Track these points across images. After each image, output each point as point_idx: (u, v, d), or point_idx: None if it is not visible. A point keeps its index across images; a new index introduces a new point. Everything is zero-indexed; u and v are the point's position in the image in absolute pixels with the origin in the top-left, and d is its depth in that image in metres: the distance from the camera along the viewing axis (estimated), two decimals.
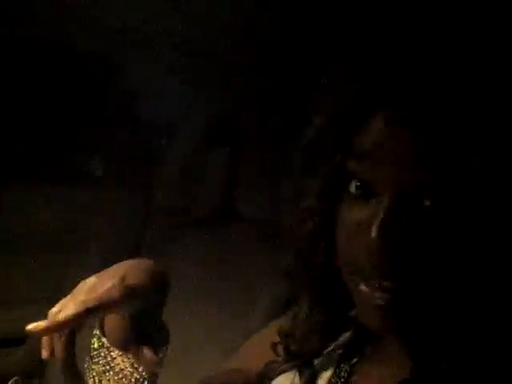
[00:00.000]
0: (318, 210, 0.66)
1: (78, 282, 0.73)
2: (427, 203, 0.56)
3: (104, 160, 1.94)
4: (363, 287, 0.60)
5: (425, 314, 0.60)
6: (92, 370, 0.77)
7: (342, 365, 0.74)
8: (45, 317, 0.69)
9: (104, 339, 0.76)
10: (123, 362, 0.75)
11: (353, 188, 0.61)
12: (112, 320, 0.76)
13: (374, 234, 0.56)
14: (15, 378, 1.72)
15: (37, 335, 0.69)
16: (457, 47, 0.57)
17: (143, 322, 0.76)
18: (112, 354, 0.76)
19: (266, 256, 1.25)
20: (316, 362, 0.76)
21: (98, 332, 0.77)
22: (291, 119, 0.82)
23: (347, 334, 0.75)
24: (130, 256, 0.79)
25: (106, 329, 0.77)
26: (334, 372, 0.73)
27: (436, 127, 0.54)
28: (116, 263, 0.76)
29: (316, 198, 0.66)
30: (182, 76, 1.76)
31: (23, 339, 1.77)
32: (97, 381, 0.76)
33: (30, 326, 0.69)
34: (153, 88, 1.82)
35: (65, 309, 0.68)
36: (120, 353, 0.75)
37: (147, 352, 0.76)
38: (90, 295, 0.69)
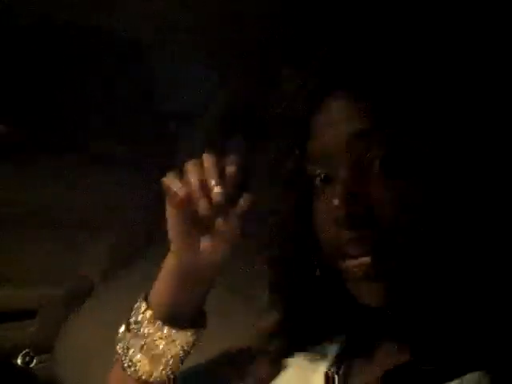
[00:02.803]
0: (293, 219, 0.71)
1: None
2: (376, 165, 0.61)
3: (125, 145, 1.94)
4: (346, 262, 0.63)
5: (414, 285, 0.61)
6: (127, 343, 0.79)
7: (339, 356, 0.75)
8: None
9: (149, 312, 0.77)
10: (161, 338, 0.77)
11: (318, 182, 0.66)
12: (161, 293, 0.77)
13: (336, 201, 0.60)
14: (26, 350, 1.75)
15: None
16: (392, 40, 0.63)
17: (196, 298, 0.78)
18: (151, 329, 0.77)
19: None
20: (311, 355, 0.77)
21: (143, 304, 0.78)
22: None
23: (339, 338, 0.76)
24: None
25: (154, 302, 0.78)
26: (331, 364, 0.74)
27: (368, 104, 0.61)
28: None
29: (290, 208, 0.71)
30: (205, 62, 1.77)
31: (35, 312, 1.79)
32: (130, 354, 0.78)
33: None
34: (175, 74, 1.83)
35: None
36: (161, 328, 0.76)
37: (189, 331, 0.78)
38: None
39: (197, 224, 0.73)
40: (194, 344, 0.79)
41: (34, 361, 1.77)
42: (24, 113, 1.75)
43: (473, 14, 0.66)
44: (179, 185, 0.71)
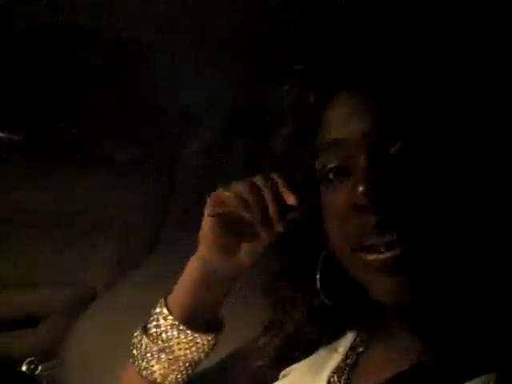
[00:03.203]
0: (304, 209, 0.72)
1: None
2: (394, 152, 0.62)
3: (128, 146, 1.94)
4: (368, 257, 0.63)
5: (432, 282, 0.61)
6: (144, 347, 0.79)
7: (348, 353, 0.74)
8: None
9: (171, 317, 0.79)
10: (182, 342, 0.78)
11: (331, 176, 0.67)
12: (184, 297, 0.79)
13: (361, 187, 0.61)
14: (30, 359, 1.75)
15: None
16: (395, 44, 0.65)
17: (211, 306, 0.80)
18: (172, 333, 0.78)
19: None
20: (318, 353, 0.77)
21: (165, 310, 0.80)
22: None
23: (349, 335, 0.75)
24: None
25: (175, 306, 0.80)
26: (340, 361, 0.75)
27: (381, 100, 0.63)
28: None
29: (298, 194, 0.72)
30: (206, 64, 1.76)
31: (37, 320, 1.78)
32: (148, 357, 0.78)
33: None
34: (176, 75, 1.82)
35: None
36: (183, 332, 0.78)
37: (210, 335, 0.80)
38: None
39: (234, 232, 0.76)
40: (213, 348, 0.79)
41: (39, 368, 1.76)
42: (22, 114, 1.75)
43: (487, 24, 0.67)
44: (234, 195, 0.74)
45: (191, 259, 0.81)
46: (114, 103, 1.83)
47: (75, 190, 1.83)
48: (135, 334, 0.82)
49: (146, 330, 0.81)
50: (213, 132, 1.81)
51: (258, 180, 0.73)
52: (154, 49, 1.73)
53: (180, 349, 0.79)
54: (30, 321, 1.78)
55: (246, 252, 0.77)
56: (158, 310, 0.81)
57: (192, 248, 0.80)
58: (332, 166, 0.66)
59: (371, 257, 0.62)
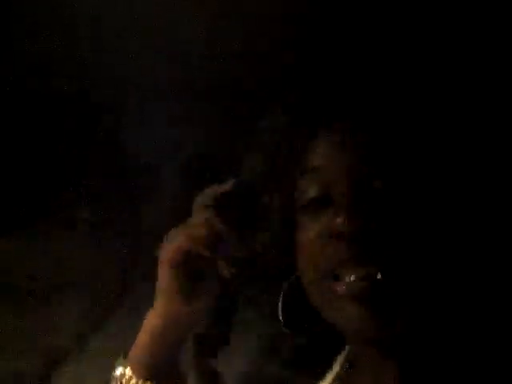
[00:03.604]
0: (278, 236, 0.70)
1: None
2: (377, 185, 0.62)
3: (93, 206, 1.93)
4: (339, 286, 0.61)
5: (403, 312, 0.61)
6: None
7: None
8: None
9: (131, 372, 0.76)
10: None
11: (311, 203, 0.65)
12: (143, 353, 0.77)
13: (342, 215, 0.60)
14: None
15: None
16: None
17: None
18: None
19: None
20: None
21: (126, 370, 0.77)
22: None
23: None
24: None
25: (136, 362, 0.77)
26: None
27: (369, 132, 0.63)
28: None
29: (275, 226, 0.70)
30: (168, 117, 1.78)
31: None
32: None
33: None
34: (140, 131, 1.83)
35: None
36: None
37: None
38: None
39: (196, 275, 0.74)
40: None
41: None
42: None
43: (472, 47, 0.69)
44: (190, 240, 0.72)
45: (149, 318, 0.77)
46: (77, 161, 1.83)
47: (39, 253, 1.81)
48: None
49: None
50: (176, 184, 1.81)
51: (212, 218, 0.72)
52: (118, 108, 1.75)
53: None
54: None
55: (207, 293, 0.75)
56: (119, 372, 0.78)
57: None
58: (313, 194, 0.65)
59: (342, 286, 0.61)
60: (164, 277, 0.75)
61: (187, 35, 1.51)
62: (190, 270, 0.73)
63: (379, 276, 0.59)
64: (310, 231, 0.65)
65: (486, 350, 0.61)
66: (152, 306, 0.79)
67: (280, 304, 0.70)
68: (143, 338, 0.77)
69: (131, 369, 0.76)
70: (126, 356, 0.78)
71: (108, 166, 1.90)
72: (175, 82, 1.66)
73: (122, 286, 1.81)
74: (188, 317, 0.75)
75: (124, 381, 0.76)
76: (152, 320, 0.77)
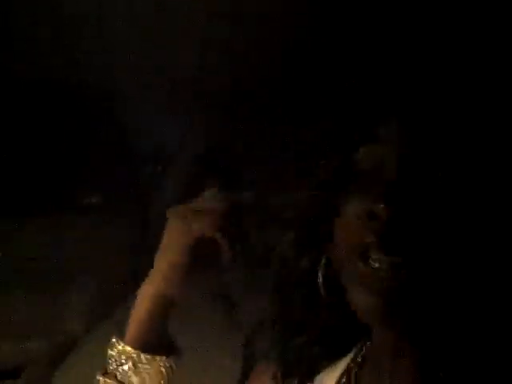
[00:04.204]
0: (321, 199, 0.70)
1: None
2: (426, 178, 0.63)
3: (102, 191, 1.95)
4: (369, 268, 0.62)
5: (421, 306, 0.62)
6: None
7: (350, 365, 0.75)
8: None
9: (128, 348, 0.79)
10: (139, 370, 0.78)
11: (360, 177, 0.66)
12: (139, 324, 0.80)
13: (380, 201, 0.61)
14: None
15: None
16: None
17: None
18: (129, 362, 0.79)
19: None
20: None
21: (120, 343, 0.80)
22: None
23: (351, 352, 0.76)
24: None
25: (132, 335, 0.80)
26: (343, 373, 0.74)
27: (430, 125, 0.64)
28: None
29: (320, 187, 0.71)
30: (179, 104, 1.78)
31: (19, 371, 1.76)
32: None
33: None
34: (148, 118, 1.84)
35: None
36: (139, 357, 0.78)
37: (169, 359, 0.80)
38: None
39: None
40: (171, 370, 0.80)
41: None
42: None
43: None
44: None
45: (145, 294, 0.80)
46: (87, 148, 1.84)
47: (50, 238, 1.82)
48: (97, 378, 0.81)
49: (105, 371, 0.80)
50: (184, 172, 1.82)
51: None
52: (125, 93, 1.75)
53: (138, 376, 0.78)
54: (10, 373, 1.75)
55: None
56: (118, 349, 0.80)
57: None
58: (365, 167, 0.66)
59: (367, 269, 0.62)
60: (170, 257, 0.77)
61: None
62: (197, 253, 0.75)
63: (402, 268, 0.60)
64: (352, 208, 0.66)
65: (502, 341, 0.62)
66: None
67: (320, 276, 0.70)
68: (140, 314, 0.79)
69: (130, 345, 0.78)
70: (121, 334, 0.80)
71: (118, 154, 1.91)
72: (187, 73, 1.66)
73: (132, 274, 1.82)
74: (180, 294, 0.78)
75: (124, 357, 0.78)
76: (149, 297, 0.80)
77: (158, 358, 0.79)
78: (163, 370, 0.79)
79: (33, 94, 1.73)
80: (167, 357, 0.80)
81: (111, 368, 0.79)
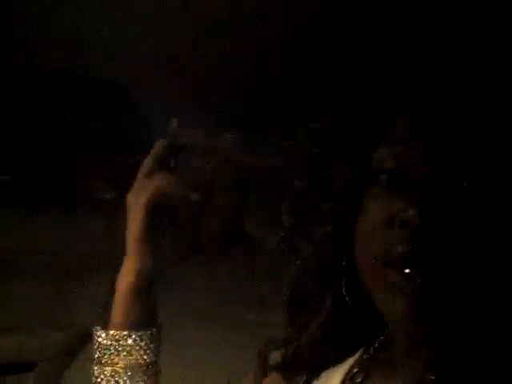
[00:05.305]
0: (341, 208, 0.68)
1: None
2: (457, 186, 0.59)
3: (114, 185, 1.95)
4: (391, 278, 0.61)
5: (448, 312, 0.60)
6: (96, 376, 0.80)
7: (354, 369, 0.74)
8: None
9: (112, 331, 0.80)
10: (124, 349, 0.79)
11: (383, 178, 0.63)
12: (124, 313, 0.81)
13: (412, 211, 0.58)
14: None
15: None
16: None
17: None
18: (114, 343, 0.79)
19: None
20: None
21: (101, 332, 0.80)
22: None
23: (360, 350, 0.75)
24: None
25: (119, 325, 0.80)
26: (347, 373, 0.74)
27: (461, 126, 0.60)
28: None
29: (340, 193, 0.68)
30: (192, 100, 1.77)
31: (33, 365, 1.77)
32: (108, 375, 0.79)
33: None
34: (162, 113, 1.83)
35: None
36: (122, 337, 0.79)
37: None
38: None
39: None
40: (154, 344, 0.81)
41: None
42: (9, 156, 1.76)
43: None
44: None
45: (121, 278, 0.81)
46: (103, 144, 1.84)
47: (66, 232, 1.83)
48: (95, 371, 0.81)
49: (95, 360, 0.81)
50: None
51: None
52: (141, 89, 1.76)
53: (139, 354, 0.79)
54: (25, 366, 1.76)
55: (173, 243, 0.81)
56: (103, 336, 0.80)
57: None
58: (389, 165, 0.62)
59: (396, 275, 0.60)
60: (136, 225, 0.79)
61: None
62: (161, 217, 0.78)
63: (427, 277, 0.59)
64: (374, 214, 0.63)
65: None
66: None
67: (344, 284, 0.69)
68: (120, 300, 0.80)
69: (115, 330, 0.79)
70: (104, 321, 0.81)
71: (135, 149, 1.91)
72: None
73: None
74: (155, 266, 0.79)
75: (109, 342, 0.79)
76: (125, 278, 0.80)
77: (140, 333, 0.79)
78: (149, 345, 0.80)
79: (57, 89, 1.73)
80: (150, 331, 0.80)
81: (99, 355, 0.80)
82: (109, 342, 0.79)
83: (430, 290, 0.59)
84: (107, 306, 0.82)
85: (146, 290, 0.81)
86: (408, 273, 0.59)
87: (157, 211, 0.78)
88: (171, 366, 0.86)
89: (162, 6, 1.53)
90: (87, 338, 1.76)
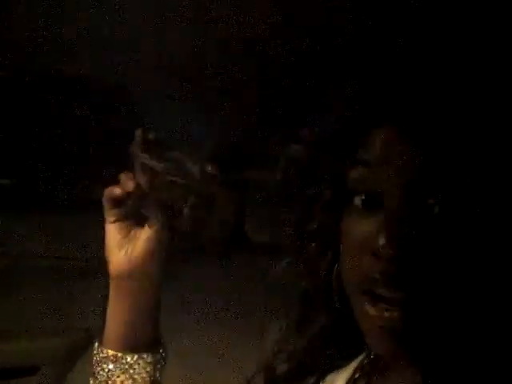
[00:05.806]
0: (323, 229, 0.67)
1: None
2: (431, 203, 0.57)
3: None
4: (370, 309, 0.59)
5: (431, 339, 0.59)
6: None
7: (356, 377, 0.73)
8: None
9: (111, 352, 0.77)
10: (122, 371, 0.76)
11: (358, 201, 0.61)
12: (115, 324, 0.78)
13: (382, 240, 0.56)
14: None
15: None
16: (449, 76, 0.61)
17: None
18: (111, 364, 0.77)
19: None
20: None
21: (99, 347, 0.78)
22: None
23: (360, 357, 0.74)
24: None
25: (110, 336, 0.78)
26: (350, 377, 0.73)
27: (432, 139, 0.58)
28: None
29: (320, 216, 0.67)
30: (192, 103, 1.77)
31: (36, 369, 1.77)
32: None
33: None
34: (163, 115, 1.83)
35: None
36: (120, 358, 0.77)
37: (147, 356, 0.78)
38: None
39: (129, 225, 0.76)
40: (155, 370, 0.78)
41: None
42: (9, 160, 1.77)
43: None
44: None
45: (109, 301, 0.79)
46: (101, 147, 1.84)
47: (67, 235, 1.83)
48: None
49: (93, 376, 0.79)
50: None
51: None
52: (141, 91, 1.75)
53: (123, 378, 0.77)
54: (28, 369, 1.76)
55: (143, 250, 0.76)
56: (100, 355, 0.78)
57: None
58: (362, 189, 0.61)
59: (374, 310, 0.58)
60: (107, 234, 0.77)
61: None
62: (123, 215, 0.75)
63: (405, 306, 0.57)
64: (352, 236, 0.62)
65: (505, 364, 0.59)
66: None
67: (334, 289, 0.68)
68: (110, 321, 0.78)
69: (112, 350, 0.77)
70: (101, 340, 0.79)
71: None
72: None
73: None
74: (138, 281, 0.76)
75: (110, 360, 0.78)
76: (111, 299, 0.78)
77: (144, 355, 0.77)
78: (150, 367, 0.78)
79: (57, 90, 1.73)
80: (152, 354, 0.78)
81: (98, 371, 0.79)
82: (100, 359, 0.78)
83: (408, 326, 0.58)
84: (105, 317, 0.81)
85: (132, 309, 0.78)
86: (386, 308, 0.58)
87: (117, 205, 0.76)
88: (171, 366, 0.85)
89: (162, 6, 1.52)
90: (89, 341, 1.76)
